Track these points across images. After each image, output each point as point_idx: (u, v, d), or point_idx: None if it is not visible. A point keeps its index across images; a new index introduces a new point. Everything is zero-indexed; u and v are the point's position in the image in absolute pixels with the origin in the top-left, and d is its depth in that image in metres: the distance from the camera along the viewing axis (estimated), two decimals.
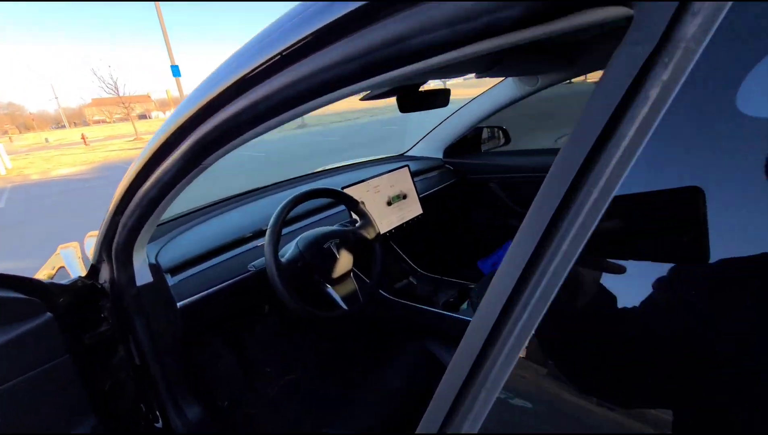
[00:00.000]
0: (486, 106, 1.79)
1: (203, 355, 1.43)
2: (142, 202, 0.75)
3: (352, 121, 18.13)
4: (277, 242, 0.93)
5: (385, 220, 1.43)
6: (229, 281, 1.05)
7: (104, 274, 1.07)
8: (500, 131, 2.19)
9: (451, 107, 1.31)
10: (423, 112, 1.06)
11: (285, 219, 0.97)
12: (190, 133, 0.57)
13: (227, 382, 1.45)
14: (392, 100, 1.05)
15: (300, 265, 0.96)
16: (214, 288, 1.03)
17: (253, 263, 0.99)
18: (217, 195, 1.50)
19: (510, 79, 1.60)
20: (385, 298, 1.35)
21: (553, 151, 1.93)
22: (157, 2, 12.76)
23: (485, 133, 2.17)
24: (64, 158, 16.24)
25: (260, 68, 0.44)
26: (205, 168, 0.68)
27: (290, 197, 0.99)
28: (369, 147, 10.31)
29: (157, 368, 1.12)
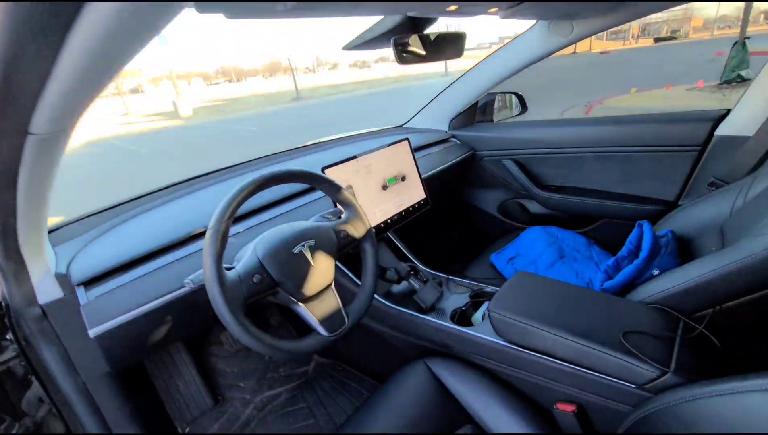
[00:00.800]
0: (503, 66, 1.47)
1: (158, 374, 1.18)
2: None
3: (349, 93, 17.50)
4: (221, 248, 0.65)
5: (380, 208, 1.14)
6: (164, 299, 0.78)
7: None
8: (515, 98, 1.87)
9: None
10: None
11: (234, 214, 0.68)
12: None
13: (190, 404, 1.20)
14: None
15: (256, 281, 0.69)
16: (143, 308, 0.75)
17: (190, 277, 0.71)
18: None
19: (537, 29, 1.27)
20: (379, 304, 1.09)
21: (579, 122, 1.63)
22: None
23: (498, 101, 1.86)
24: None
25: None
26: (49, 138, 0.39)
27: (243, 183, 0.70)
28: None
29: (84, 407, 0.87)
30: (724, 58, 7.96)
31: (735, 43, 7.64)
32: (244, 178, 0.71)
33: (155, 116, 17.97)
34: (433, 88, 1.74)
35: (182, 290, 0.78)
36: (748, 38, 7.59)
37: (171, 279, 0.80)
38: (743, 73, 7.56)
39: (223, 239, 0.66)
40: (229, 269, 0.71)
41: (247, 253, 0.74)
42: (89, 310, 0.73)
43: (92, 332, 0.72)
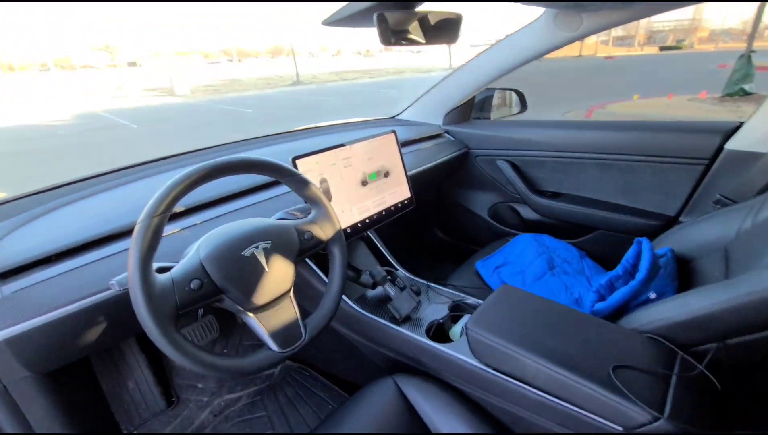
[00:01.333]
0: (504, 60, 1.36)
1: (104, 372, 1.08)
2: None
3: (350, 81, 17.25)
4: (149, 247, 0.55)
5: (358, 205, 1.04)
6: (93, 298, 0.67)
7: None
8: (515, 95, 1.77)
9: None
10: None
11: (170, 208, 0.58)
12: None
13: (140, 406, 1.11)
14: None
15: (194, 287, 0.59)
16: (67, 308, 0.65)
17: (116, 278, 0.61)
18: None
19: (542, 21, 1.17)
20: (351, 310, 0.99)
21: (580, 126, 1.53)
22: None
23: (497, 98, 1.75)
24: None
25: None
26: None
27: (185, 172, 0.60)
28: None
29: (4, 412, 0.77)
30: (728, 70, 7.88)
31: (741, 56, 7.55)
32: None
33: (151, 91, 17.60)
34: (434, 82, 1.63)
35: (112, 291, 0.68)
36: (754, 51, 7.50)
37: (106, 275, 0.69)
38: (747, 87, 7.49)
39: (153, 236, 0.55)
40: (166, 270, 0.60)
41: (190, 253, 0.64)
42: (9, 306, 0.63)
43: (5, 332, 0.61)
